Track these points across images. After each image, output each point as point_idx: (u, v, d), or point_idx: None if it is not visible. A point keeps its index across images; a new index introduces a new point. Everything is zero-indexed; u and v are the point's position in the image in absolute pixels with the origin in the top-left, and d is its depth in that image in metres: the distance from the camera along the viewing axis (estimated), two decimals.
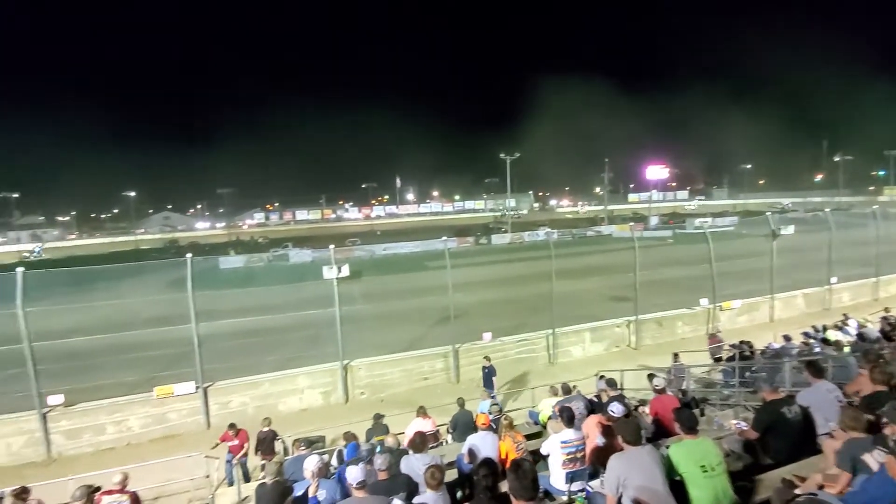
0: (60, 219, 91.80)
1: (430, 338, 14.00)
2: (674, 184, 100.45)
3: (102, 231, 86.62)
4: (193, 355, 10.67)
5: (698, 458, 3.37)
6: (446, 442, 8.13)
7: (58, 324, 13.11)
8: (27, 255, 44.35)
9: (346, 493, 4.67)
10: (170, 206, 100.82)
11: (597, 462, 4.75)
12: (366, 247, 42.28)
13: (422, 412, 7.86)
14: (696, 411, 7.14)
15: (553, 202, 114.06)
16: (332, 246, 12.27)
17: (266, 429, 8.51)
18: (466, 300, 15.12)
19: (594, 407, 6.80)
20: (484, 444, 5.33)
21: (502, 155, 53.19)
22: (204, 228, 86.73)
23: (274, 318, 14.76)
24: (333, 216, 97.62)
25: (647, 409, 6.51)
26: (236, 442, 8.67)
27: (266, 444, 8.38)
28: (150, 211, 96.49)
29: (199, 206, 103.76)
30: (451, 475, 5.50)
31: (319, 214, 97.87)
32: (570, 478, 4.55)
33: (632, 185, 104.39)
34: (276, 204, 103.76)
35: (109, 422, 10.38)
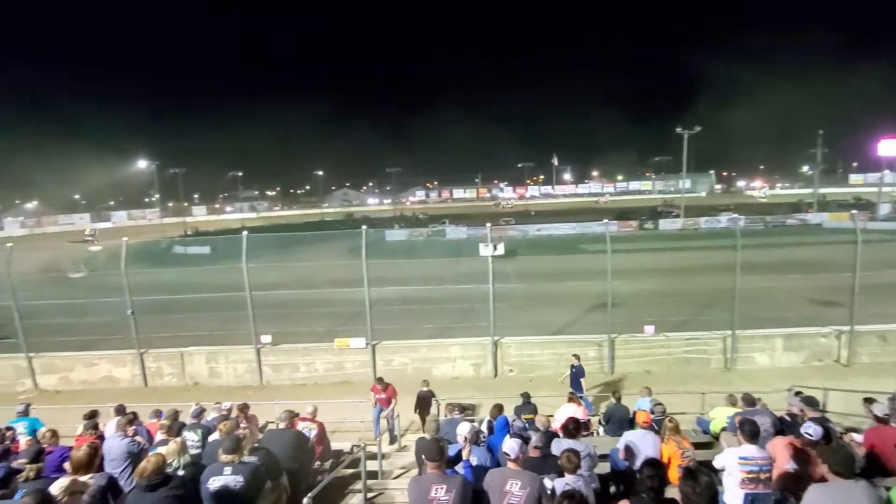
0: (269, 193, 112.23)
1: (584, 324, 13.45)
2: None
3: (297, 204, 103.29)
4: (365, 315, 12.09)
5: None
6: (597, 433, 7.81)
7: (267, 278, 15.82)
8: (88, 237, 45.67)
9: (495, 462, 4.81)
10: (348, 184, 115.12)
11: (785, 489, 4.04)
12: (519, 226, 42.29)
13: (573, 398, 7.65)
14: None
15: (741, 183, 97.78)
16: (488, 224, 12.56)
17: (425, 389, 9.31)
18: (626, 288, 14.06)
19: (783, 426, 5.76)
20: (643, 443, 4.95)
21: (679, 129, 46.75)
22: (374, 204, 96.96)
23: (432, 289, 15.84)
24: (488, 195, 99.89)
25: (856, 439, 5.28)
26: (383, 396, 9.26)
27: (424, 403, 9.17)
28: (333, 188, 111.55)
29: (370, 184, 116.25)
30: (603, 468, 5.28)
31: (475, 193, 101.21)
32: (751, 500, 3.96)
33: (855, 164, 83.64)
34: (436, 182, 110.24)
35: (302, 363, 12.49)
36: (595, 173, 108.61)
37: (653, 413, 6.16)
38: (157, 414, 7.84)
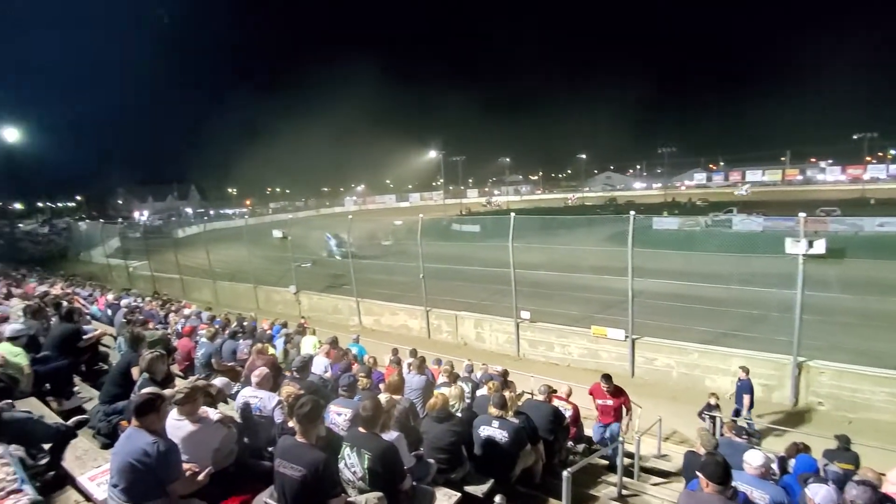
0: (532, 177, 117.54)
1: None
2: None
3: (558, 188, 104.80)
4: (625, 306, 11.38)
5: None
6: None
7: (528, 258, 16.57)
8: (331, 255, 33.11)
9: None
10: (612, 167, 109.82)
11: None
12: (848, 219, 31.81)
13: None
14: None
15: None
16: (802, 214, 9.84)
17: (714, 402, 8.22)
18: None
19: None
20: None
21: None
22: (640, 188, 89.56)
23: (709, 288, 13.65)
24: (799, 177, 77.93)
25: None
26: (609, 402, 6.77)
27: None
28: (595, 171, 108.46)
29: (638, 167, 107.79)
30: None
31: (779, 175, 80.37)
32: None
33: None
34: (722, 163, 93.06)
35: (556, 343, 12.76)
36: None
37: None
38: (438, 362, 9.37)
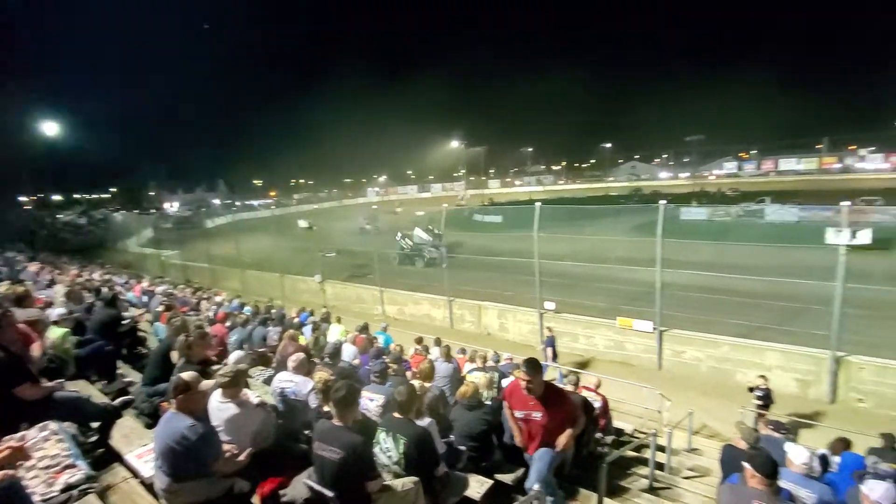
0: (554, 168, 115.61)
1: None
2: None
3: (581, 179, 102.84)
4: (652, 298, 11.16)
5: None
6: None
7: (551, 248, 16.34)
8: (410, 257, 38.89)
9: None
10: (637, 157, 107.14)
11: None
12: (892, 209, 30.22)
13: None
14: None
15: None
16: (846, 203, 9.41)
17: (764, 385, 8.09)
18: None
19: None
20: None
21: None
22: (666, 178, 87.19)
23: (742, 280, 13.23)
24: (838, 165, 74.62)
25: None
26: (537, 416, 3.86)
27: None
28: (620, 161, 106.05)
29: (664, 156, 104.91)
30: None
31: (815, 163, 77.14)
32: None
33: None
34: (754, 151, 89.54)
35: (582, 335, 12.62)
36: None
37: None
38: (463, 351, 9.37)
